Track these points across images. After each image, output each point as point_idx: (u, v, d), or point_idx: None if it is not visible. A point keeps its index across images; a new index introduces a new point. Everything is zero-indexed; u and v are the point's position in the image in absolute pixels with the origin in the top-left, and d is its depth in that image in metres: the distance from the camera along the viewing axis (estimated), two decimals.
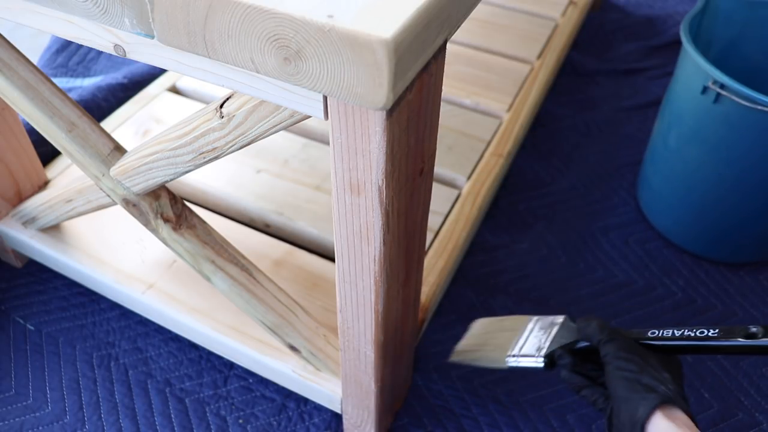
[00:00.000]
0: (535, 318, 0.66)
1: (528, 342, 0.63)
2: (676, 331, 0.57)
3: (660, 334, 0.58)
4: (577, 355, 0.60)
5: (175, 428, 0.77)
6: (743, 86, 0.78)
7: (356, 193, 0.46)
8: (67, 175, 0.92)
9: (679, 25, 1.44)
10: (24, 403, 0.79)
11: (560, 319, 0.64)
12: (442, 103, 0.87)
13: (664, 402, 0.51)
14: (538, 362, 0.61)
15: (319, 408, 0.79)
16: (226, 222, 0.87)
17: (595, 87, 1.31)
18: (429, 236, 0.85)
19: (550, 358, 0.60)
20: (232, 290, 0.68)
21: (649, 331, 0.58)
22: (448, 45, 0.54)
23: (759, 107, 0.78)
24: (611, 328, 0.58)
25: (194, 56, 0.43)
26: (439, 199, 0.90)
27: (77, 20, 0.47)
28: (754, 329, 0.55)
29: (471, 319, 0.88)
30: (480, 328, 0.70)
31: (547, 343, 0.62)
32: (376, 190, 0.44)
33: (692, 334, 0.56)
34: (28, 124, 0.88)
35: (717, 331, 0.56)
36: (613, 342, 0.56)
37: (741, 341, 0.55)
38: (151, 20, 0.40)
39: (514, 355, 0.62)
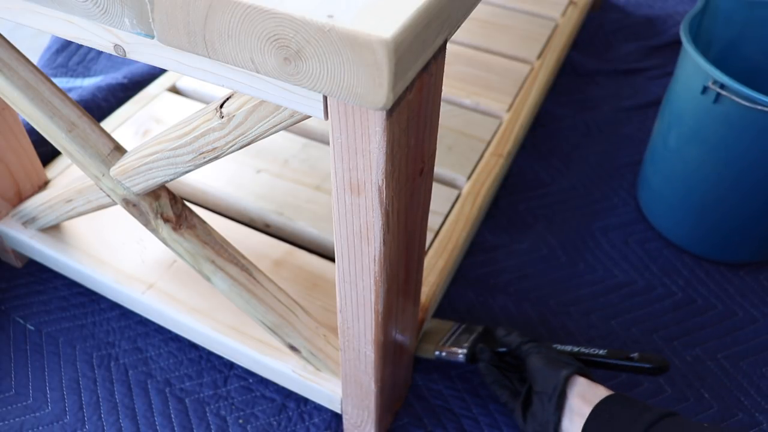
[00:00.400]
0: (459, 323, 0.81)
1: (452, 340, 0.78)
2: (574, 348, 0.73)
3: (563, 349, 0.73)
4: (496, 355, 0.73)
5: (175, 428, 0.77)
6: (743, 86, 0.78)
7: (356, 193, 0.46)
8: (67, 175, 0.92)
9: (679, 25, 1.44)
10: (24, 403, 0.79)
11: (480, 328, 0.78)
12: (442, 103, 0.87)
13: (581, 372, 0.65)
14: (461, 356, 0.75)
15: (319, 408, 0.79)
16: (226, 222, 0.87)
17: (595, 87, 1.31)
18: (429, 236, 0.85)
19: (472, 353, 0.75)
20: (232, 290, 0.69)
21: (554, 345, 0.73)
22: (448, 45, 0.54)
23: (759, 107, 0.78)
24: (529, 336, 0.72)
25: (194, 56, 0.43)
26: (439, 199, 0.90)
27: (77, 20, 0.47)
28: (633, 355, 0.71)
29: (471, 319, 0.89)
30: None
31: (468, 343, 0.76)
32: (376, 190, 0.44)
33: (587, 351, 0.72)
34: (28, 124, 0.88)
35: (605, 352, 0.72)
36: (532, 342, 0.71)
37: (621, 361, 0.71)
38: (151, 20, 0.40)
39: (440, 350, 0.77)
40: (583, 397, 0.62)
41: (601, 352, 0.72)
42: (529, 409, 0.67)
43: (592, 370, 0.71)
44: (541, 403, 0.65)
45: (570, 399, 0.63)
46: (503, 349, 0.74)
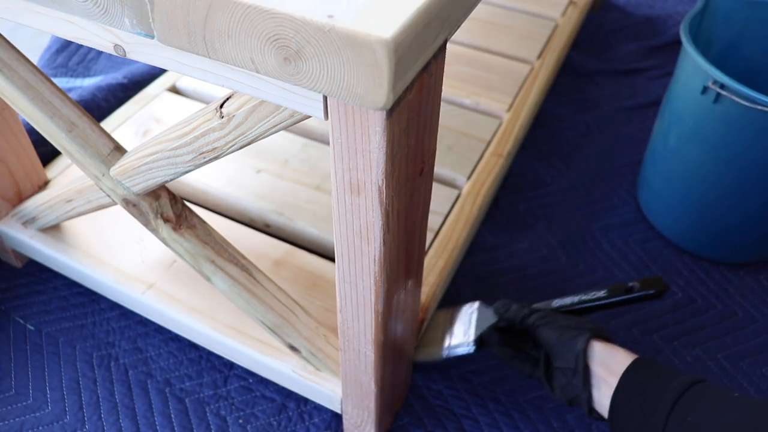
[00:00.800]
0: (451, 309, 0.77)
1: (454, 334, 0.74)
2: (575, 298, 0.71)
3: (563, 303, 0.71)
4: (502, 332, 0.71)
5: (175, 428, 0.77)
6: (743, 86, 0.78)
7: (356, 193, 0.46)
8: (67, 175, 0.92)
9: (679, 25, 1.44)
10: (24, 403, 0.79)
11: (475, 304, 0.75)
12: (442, 103, 0.87)
13: (595, 334, 0.64)
14: (470, 347, 0.71)
15: (319, 408, 0.79)
16: (226, 222, 0.87)
17: (595, 87, 1.31)
18: (429, 236, 0.85)
19: (479, 340, 0.71)
20: (232, 290, 0.69)
21: (553, 302, 0.72)
22: (448, 45, 0.54)
23: (759, 107, 0.78)
24: (529, 305, 0.71)
25: (194, 56, 0.43)
26: (439, 199, 0.90)
27: (77, 20, 0.47)
28: (631, 285, 0.70)
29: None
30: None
31: (472, 330, 0.72)
32: (376, 190, 0.44)
33: (587, 298, 0.71)
34: (28, 124, 0.88)
35: (606, 292, 0.70)
36: (535, 312, 0.69)
37: (623, 296, 0.69)
38: (151, 20, 0.40)
39: (446, 347, 0.73)
40: (605, 365, 0.62)
41: (602, 293, 0.71)
42: (553, 382, 0.66)
43: (598, 313, 0.71)
44: (565, 377, 0.64)
45: (593, 368, 0.62)
46: (505, 324, 0.71)
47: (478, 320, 0.73)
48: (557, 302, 0.72)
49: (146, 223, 0.67)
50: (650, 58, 1.39)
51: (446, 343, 0.74)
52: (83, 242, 0.85)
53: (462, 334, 0.73)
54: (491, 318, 0.72)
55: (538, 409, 0.80)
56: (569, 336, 0.64)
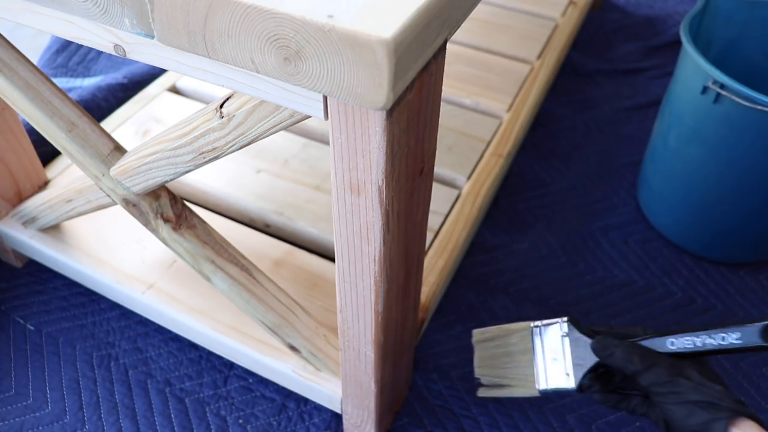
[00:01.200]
0: (535, 327, 0.63)
1: (550, 367, 0.61)
2: (697, 340, 0.54)
3: (682, 345, 0.55)
4: (603, 376, 0.58)
5: (175, 428, 0.77)
6: (743, 86, 0.78)
7: (356, 193, 0.46)
8: (67, 175, 0.92)
9: (679, 25, 1.44)
10: (24, 403, 0.79)
11: (565, 327, 0.61)
12: (442, 103, 0.87)
13: (732, 417, 0.49)
14: (570, 387, 0.59)
15: (319, 408, 0.79)
16: (226, 222, 0.87)
17: (595, 87, 1.31)
18: (429, 236, 0.85)
19: (580, 386, 0.58)
20: (232, 290, 0.69)
21: (667, 340, 0.55)
22: (448, 45, 0.55)
23: (759, 107, 0.78)
24: (637, 351, 0.54)
25: (194, 56, 0.43)
26: (439, 199, 0.90)
27: (77, 20, 0.47)
28: None
29: (471, 319, 0.89)
30: (485, 350, 0.66)
31: (571, 368, 0.59)
32: (376, 190, 0.44)
33: (714, 342, 0.54)
34: (28, 124, 0.88)
35: (738, 336, 0.53)
36: (650, 370, 0.53)
37: (762, 343, 0.52)
38: (151, 20, 0.40)
39: (544, 387, 0.60)
40: None
41: (735, 338, 0.53)
42: None
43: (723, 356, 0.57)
44: None
45: None
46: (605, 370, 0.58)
47: (574, 355, 0.60)
48: (672, 342, 0.56)
49: (146, 223, 0.67)
50: (650, 58, 1.39)
51: (543, 382, 0.61)
52: (83, 242, 0.85)
53: (558, 371, 0.60)
54: (588, 357, 0.59)
55: (538, 409, 0.80)
56: (701, 420, 0.50)
